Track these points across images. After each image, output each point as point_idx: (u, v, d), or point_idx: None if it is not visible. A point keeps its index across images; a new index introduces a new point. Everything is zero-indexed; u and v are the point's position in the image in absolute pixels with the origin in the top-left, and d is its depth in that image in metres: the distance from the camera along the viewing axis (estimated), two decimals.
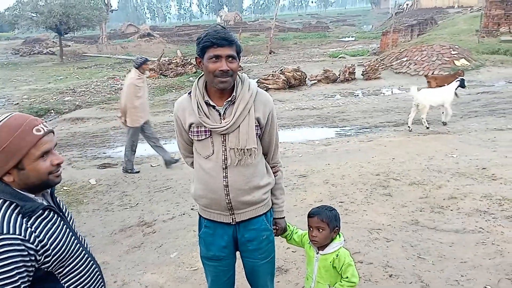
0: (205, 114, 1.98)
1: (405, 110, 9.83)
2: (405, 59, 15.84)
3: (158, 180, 6.00)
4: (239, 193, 2.05)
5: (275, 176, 2.23)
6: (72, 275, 1.47)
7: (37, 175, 1.39)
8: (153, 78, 17.28)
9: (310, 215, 2.22)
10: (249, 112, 2.00)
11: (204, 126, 1.99)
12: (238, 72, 2.03)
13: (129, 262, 3.80)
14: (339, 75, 14.54)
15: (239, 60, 2.00)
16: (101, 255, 3.93)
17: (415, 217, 4.22)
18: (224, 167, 2.02)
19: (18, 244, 1.28)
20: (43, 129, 1.41)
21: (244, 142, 1.99)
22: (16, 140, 1.33)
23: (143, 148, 8.36)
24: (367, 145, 7.07)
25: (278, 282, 3.21)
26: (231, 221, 2.12)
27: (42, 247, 1.35)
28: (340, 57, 21.45)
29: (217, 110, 2.00)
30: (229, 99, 1.99)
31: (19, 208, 1.34)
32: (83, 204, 5.31)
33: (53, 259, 1.39)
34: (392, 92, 12.85)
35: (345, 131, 8.54)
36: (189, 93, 2.07)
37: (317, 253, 2.24)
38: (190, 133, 2.06)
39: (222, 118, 1.99)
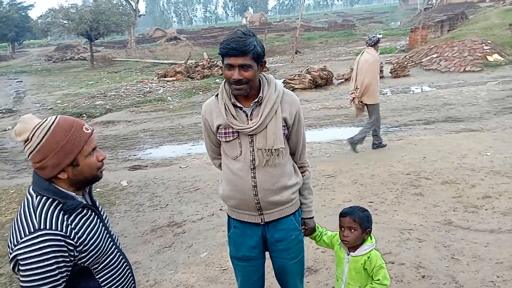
0: (232, 115, 2.00)
1: (436, 108, 9.61)
2: (435, 55, 15.46)
3: (187, 181, 6.08)
4: (267, 193, 2.06)
5: (302, 176, 2.23)
6: (106, 271, 1.53)
7: (89, 170, 1.49)
8: (180, 80, 17.53)
9: (342, 215, 2.20)
10: (276, 112, 2.01)
11: (232, 127, 2.01)
12: (263, 74, 2.04)
13: (160, 262, 3.87)
14: None
15: (262, 64, 1.98)
16: (133, 255, 4.03)
17: (448, 217, 4.12)
18: (252, 167, 2.04)
19: (59, 240, 1.36)
20: (89, 128, 1.51)
21: (271, 142, 2.00)
22: (72, 138, 1.43)
23: (172, 150, 8.50)
24: (396, 144, 6.94)
25: (308, 282, 3.20)
26: (260, 221, 2.13)
27: (81, 243, 1.42)
28: None
29: (244, 111, 2.02)
30: (256, 100, 2.00)
31: (61, 205, 1.42)
32: (115, 205, 5.44)
33: (89, 255, 1.45)
34: (422, 89, 12.57)
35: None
36: (216, 96, 2.10)
37: (348, 254, 2.21)
38: (217, 135, 2.08)
39: (249, 119, 2.01)
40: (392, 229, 3.95)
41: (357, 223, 2.13)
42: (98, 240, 1.50)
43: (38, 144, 1.40)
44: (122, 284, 1.61)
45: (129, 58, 32.27)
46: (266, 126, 2.00)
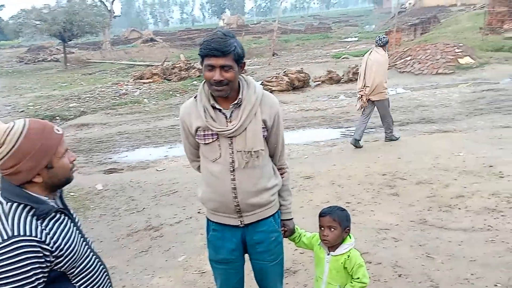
0: (211, 117, 1.98)
1: (410, 109, 9.80)
2: (408, 58, 15.78)
3: (164, 184, 6.01)
4: (247, 195, 2.05)
5: (282, 178, 2.23)
6: (82, 275, 1.51)
7: (63, 172, 1.47)
8: (157, 82, 17.34)
9: (321, 215, 2.21)
10: (255, 114, 2.00)
11: (211, 129, 1.99)
12: (242, 76, 2.03)
13: (137, 266, 3.81)
14: (343, 75, 14.51)
15: (242, 65, 1.98)
16: (109, 260, 3.94)
17: (423, 216, 4.20)
18: (231, 169, 2.02)
19: (34, 246, 1.32)
20: (60, 129, 1.48)
21: (251, 144, 1.99)
22: (45, 141, 1.40)
23: (148, 153, 8.39)
24: (372, 145, 7.04)
25: (287, 284, 3.20)
26: (240, 223, 2.12)
27: (57, 248, 1.39)
28: (343, 58, 21.41)
29: (223, 113, 2.00)
30: (235, 102, 1.99)
31: (33, 210, 1.38)
32: (90, 209, 5.33)
33: (66, 260, 1.43)
34: (396, 91, 12.79)
35: (350, 132, 8.50)
36: (195, 97, 2.07)
37: (328, 254, 2.22)
38: (196, 137, 2.06)
39: (228, 121, 1.99)
40: (369, 229, 4.00)
41: (336, 222, 2.15)
42: (74, 244, 1.47)
43: (11, 149, 1.34)
44: (100, 286, 1.57)
45: (104, 59, 31.72)
46: (246, 128, 1.99)
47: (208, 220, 2.23)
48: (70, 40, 31.42)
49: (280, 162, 2.23)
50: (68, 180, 1.51)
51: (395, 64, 15.90)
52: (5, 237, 1.30)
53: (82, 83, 19.84)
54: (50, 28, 27.83)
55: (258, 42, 37.17)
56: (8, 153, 1.35)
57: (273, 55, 23.78)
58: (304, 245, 2.39)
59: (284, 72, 14.46)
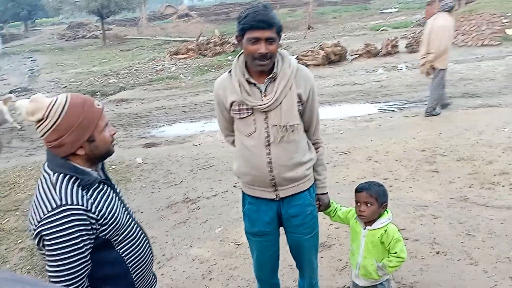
0: (246, 92, 1.98)
1: (452, 83, 9.42)
2: None
3: (201, 158, 6.12)
4: (282, 169, 2.05)
5: (316, 152, 2.22)
6: (125, 242, 1.58)
7: (104, 145, 1.52)
8: (192, 58, 17.44)
9: (358, 190, 2.20)
10: (290, 88, 1.99)
11: (246, 104, 1.99)
12: (278, 49, 2.01)
13: (176, 237, 3.94)
14: (381, 48, 14.05)
15: (280, 39, 1.97)
16: (149, 230, 4.09)
17: (463, 194, 4.08)
18: (267, 144, 2.03)
19: (81, 214, 1.40)
20: (100, 103, 1.53)
21: (286, 118, 1.99)
22: (87, 115, 1.45)
23: (185, 128, 8.54)
24: (412, 121, 6.85)
25: (322, 257, 3.23)
26: (275, 197, 2.14)
27: (101, 216, 1.46)
28: (382, 30, 20.68)
29: (258, 88, 1.99)
30: (270, 76, 1.98)
31: (79, 181, 1.45)
32: (130, 182, 5.52)
33: (110, 228, 1.50)
34: None
35: (388, 106, 8.29)
36: (229, 72, 2.07)
37: (364, 228, 2.22)
38: (231, 112, 2.06)
39: (263, 95, 1.99)
40: (406, 206, 3.94)
41: (373, 198, 2.13)
42: (117, 213, 1.53)
43: (55, 122, 1.40)
44: (142, 255, 1.64)
45: (141, 35, 32.09)
46: (281, 102, 1.98)
47: (243, 193, 2.27)
48: (108, 17, 31.96)
49: (315, 136, 2.22)
50: (108, 153, 1.56)
51: None
52: (54, 206, 1.37)
53: (120, 59, 20.24)
54: (88, 5, 28.38)
55: (293, 16, 36.44)
56: (52, 126, 1.41)
57: (309, 28, 23.29)
58: (340, 219, 2.39)
59: (320, 45, 14.15)
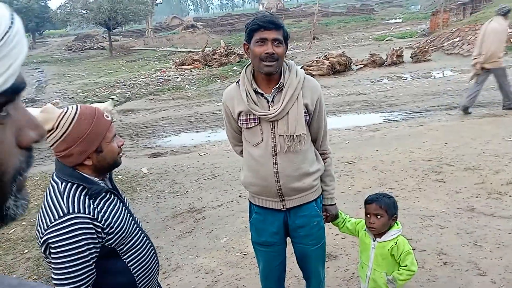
0: (253, 101, 2.00)
1: (458, 93, 9.40)
2: (457, 39, 15.08)
3: (206, 168, 6.13)
4: (289, 179, 2.06)
5: (324, 163, 2.22)
6: (131, 251, 1.58)
7: (112, 156, 1.54)
8: (197, 68, 17.57)
9: (367, 202, 2.18)
10: (297, 98, 2.00)
11: (253, 113, 2.01)
12: (285, 59, 2.03)
13: (181, 247, 3.94)
14: (386, 58, 14.10)
15: (287, 46, 2.01)
16: (155, 240, 4.09)
17: (470, 204, 4.05)
18: (273, 154, 2.03)
19: (88, 223, 1.42)
20: (109, 115, 1.56)
21: (293, 128, 2.00)
22: (96, 126, 1.48)
23: (191, 138, 8.57)
24: (417, 130, 6.83)
25: (328, 268, 3.21)
26: (282, 207, 2.14)
27: (107, 225, 1.48)
28: (387, 40, 20.77)
29: (265, 98, 2.01)
30: (277, 86, 2.00)
31: (86, 190, 1.47)
32: (136, 191, 5.53)
33: (116, 237, 1.51)
34: (443, 74, 12.29)
35: (393, 116, 8.29)
36: (237, 82, 2.10)
37: (374, 240, 2.20)
38: (239, 122, 2.08)
39: (270, 105, 2.00)
40: (413, 216, 3.92)
41: (383, 210, 2.12)
42: (123, 222, 1.55)
43: (64, 133, 1.44)
44: (148, 264, 1.65)
45: (147, 47, 32.45)
46: (288, 112, 1.99)
47: (250, 203, 2.27)
48: (115, 28, 32.39)
49: (323, 147, 2.22)
50: (116, 164, 1.59)
51: (442, 46, 15.25)
52: (61, 214, 1.40)
53: (126, 70, 20.43)
54: (95, 17, 28.79)
55: (298, 26, 36.69)
56: (61, 137, 1.44)
57: (314, 39, 23.42)
58: (348, 230, 2.38)
59: (325, 56, 14.22)
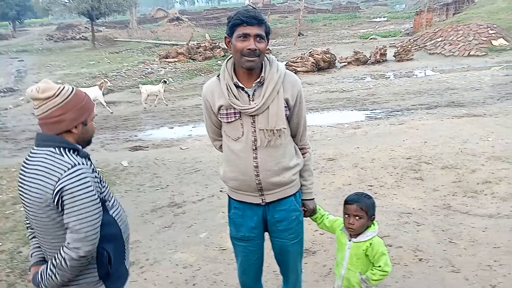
0: (234, 96, 1.99)
1: (439, 92, 9.56)
2: (439, 39, 15.30)
3: (188, 162, 6.09)
4: (268, 174, 2.06)
5: (303, 158, 2.22)
6: (114, 208, 1.78)
7: (91, 132, 1.79)
8: (182, 62, 17.42)
9: (348, 202, 2.18)
10: (278, 93, 2.00)
11: (234, 108, 2.00)
12: (266, 54, 2.02)
13: (160, 241, 3.91)
14: (370, 57, 14.22)
15: (268, 41, 2.00)
16: (133, 234, 4.04)
17: (447, 202, 4.13)
18: (253, 148, 2.03)
19: (91, 173, 1.64)
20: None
21: (273, 123, 2.00)
22: (86, 102, 1.73)
23: (173, 131, 8.50)
24: (398, 128, 6.92)
25: (306, 263, 3.23)
26: (261, 201, 2.13)
27: (100, 180, 1.71)
28: (371, 38, 20.96)
29: (246, 92, 2.00)
30: (258, 80, 1.99)
31: (77, 152, 1.68)
32: (116, 185, 5.47)
33: (106, 190, 1.74)
34: (425, 73, 12.48)
35: (375, 114, 8.38)
36: (218, 76, 2.09)
37: (350, 240, 2.21)
38: (219, 116, 2.07)
39: (251, 99, 2.00)
40: (391, 213, 3.97)
41: (363, 211, 2.13)
42: (105, 181, 1.78)
43: (63, 100, 1.64)
44: (126, 221, 1.84)
45: (131, 38, 31.97)
46: (268, 107, 1.99)
47: (229, 198, 2.26)
48: (98, 19, 31.82)
49: (302, 142, 2.22)
50: (90, 141, 1.81)
51: (425, 45, 15.45)
52: (70, 166, 1.58)
53: (109, 61, 20.13)
54: (78, 7, 28.25)
55: (284, 22, 36.69)
56: (59, 103, 1.63)
57: (299, 35, 23.45)
58: (326, 227, 2.39)
59: (310, 52, 14.26)
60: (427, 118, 7.59)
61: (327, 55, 13.91)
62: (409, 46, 14.76)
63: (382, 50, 14.17)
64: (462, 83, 10.22)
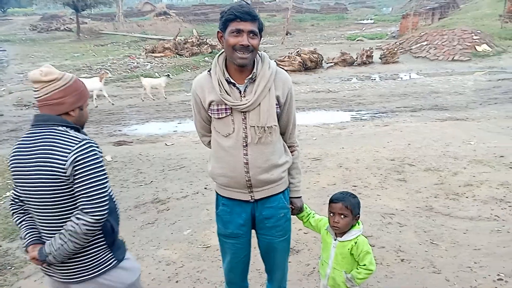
0: (226, 91, 1.97)
1: (423, 95, 9.69)
2: (425, 43, 15.51)
3: (173, 159, 6.05)
4: (258, 171, 2.05)
5: (292, 156, 2.22)
6: (108, 184, 1.85)
7: (86, 117, 1.92)
8: (168, 57, 17.27)
9: (333, 201, 2.18)
10: (269, 90, 1.99)
11: (225, 103, 1.98)
12: (258, 51, 2.01)
13: (143, 238, 3.87)
14: (357, 58, 14.33)
15: (261, 38, 1.99)
16: None
17: (429, 203, 4.19)
18: (244, 144, 2.02)
19: (97, 147, 1.76)
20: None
21: (264, 119, 1.99)
22: (85, 89, 1.89)
23: (158, 127, 8.42)
24: (382, 130, 6.99)
25: (290, 262, 3.22)
26: (250, 198, 2.12)
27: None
28: (358, 40, 21.11)
29: (238, 88, 1.99)
30: (250, 76, 1.98)
31: (78, 131, 1.81)
32: None
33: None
34: (410, 76, 12.64)
35: (360, 115, 8.46)
36: (209, 71, 2.06)
37: (335, 239, 2.22)
38: (209, 111, 2.05)
39: (242, 95, 1.99)
40: (374, 213, 4.01)
41: (348, 210, 2.13)
42: None
43: (65, 84, 1.78)
44: (115, 200, 1.98)
45: (117, 31, 31.54)
46: (260, 104, 1.98)
47: (217, 194, 2.24)
48: (84, 10, 31.32)
49: (291, 140, 2.22)
50: (83, 126, 1.90)
51: (411, 49, 15.64)
52: (80, 140, 1.71)
53: (94, 54, 19.83)
54: None
55: (272, 21, 36.68)
56: (62, 86, 1.77)
57: (287, 34, 23.48)
58: (311, 226, 2.39)
59: (297, 52, 14.29)
60: (411, 120, 7.69)
61: (314, 55, 13.97)
62: (395, 49, 14.92)
63: (369, 52, 14.30)
64: (446, 87, 10.38)
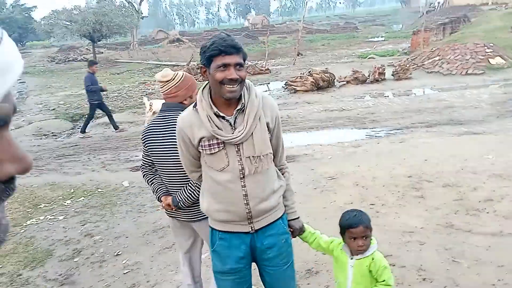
0: (217, 126, 1.93)
1: (438, 110, 9.61)
2: (437, 58, 15.45)
3: None
4: (257, 200, 2.01)
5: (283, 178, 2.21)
6: None
7: (194, 101, 2.23)
8: None
9: (352, 226, 2.11)
10: (259, 119, 1.97)
11: (217, 138, 1.94)
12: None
13: (161, 263, 3.88)
14: (369, 76, 14.33)
15: (246, 68, 1.98)
16: (134, 255, 4.03)
17: (449, 220, 4.11)
18: (241, 176, 1.97)
19: None
20: None
21: (259, 149, 1.96)
22: (193, 83, 2.62)
23: None
24: (398, 147, 6.93)
25: (309, 284, 3.20)
26: (250, 229, 2.06)
27: None
28: (369, 58, 21.16)
29: (227, 121, 1.95)
30: (239, 107, 1.95)
31: None
32: (116, 205, 5.45)
33: None
34: (424, 92, 12.56)
35: (375, 133, 8.41)
36: (194, 107, 2.02)
37: (352, 258, 2.17)
38: (200, 148, 1.99)
39: (233, 128, 1.95)
40: (393, 232, 3.95)
41: (369, 229, 2.11)
42: None
43: (178, 81, 2.52)
44: None
45: (132, 59, 32.29)
46: (252, 133, 1.95)
47: (213, 229, 2.15)
48: (99, 41, 32.21)
49: (281, 162, 2.20)
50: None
51: (423, 64, 15.59)
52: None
53: (110, 82, 20.26)
54: (80, 29, 28.60)
55: (283, 42, 37.12)
56: (176, 84, 2.53)
57: (298, 55, 23.69)
58: (322, 249, 2.33)
59: (309, 72, 14.38)
60: (427, 136, 7.60)
61: (326, 74, 14.03)
62: (407, 65, 14.89)
63: (381, 69, 14.30)
64: (461, 101, 10.28)
